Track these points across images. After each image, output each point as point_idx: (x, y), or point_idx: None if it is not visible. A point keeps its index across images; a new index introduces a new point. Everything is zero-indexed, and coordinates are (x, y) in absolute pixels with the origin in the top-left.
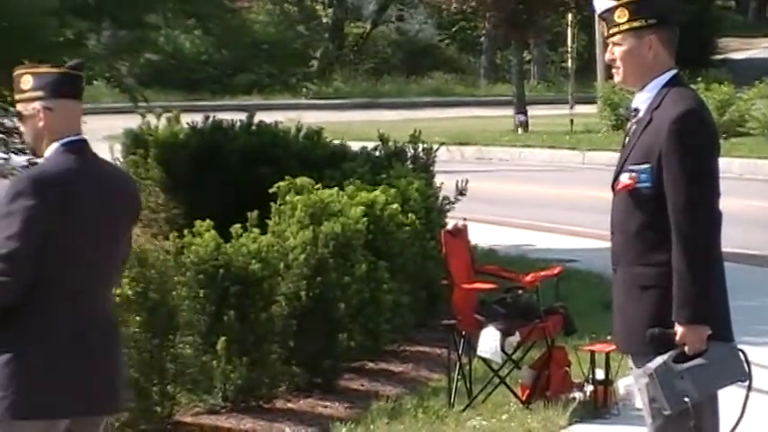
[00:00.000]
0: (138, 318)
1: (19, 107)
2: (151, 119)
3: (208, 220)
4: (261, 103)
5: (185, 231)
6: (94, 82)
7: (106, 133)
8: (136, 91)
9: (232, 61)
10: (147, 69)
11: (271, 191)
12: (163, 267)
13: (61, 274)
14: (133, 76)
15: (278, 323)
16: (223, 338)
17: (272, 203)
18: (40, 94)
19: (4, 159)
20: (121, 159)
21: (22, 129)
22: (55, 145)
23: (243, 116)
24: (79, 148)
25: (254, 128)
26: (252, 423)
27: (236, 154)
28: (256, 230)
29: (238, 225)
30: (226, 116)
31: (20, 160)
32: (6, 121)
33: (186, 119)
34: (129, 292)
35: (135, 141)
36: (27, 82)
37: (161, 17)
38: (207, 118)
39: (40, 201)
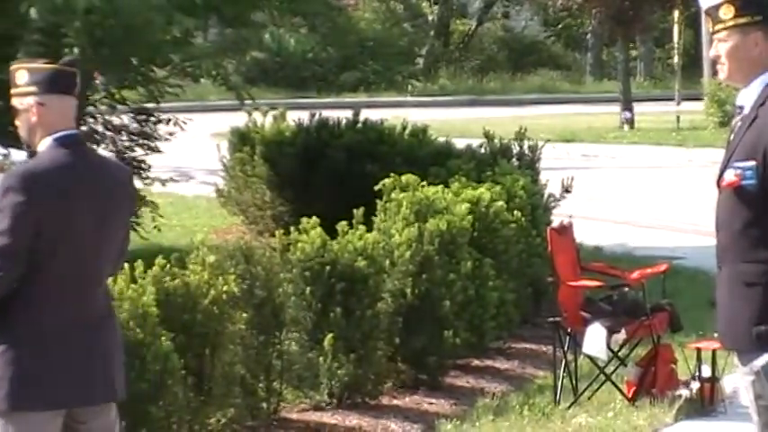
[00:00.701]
0: (244, 314)
1: (13, 101)
2: (257, 117)
3: (314, 218)
4: (366, 100)
5: (291, 229)
6: (201, 80)
7: (213, 131)
8: (242, 89)
9: (338, 59)
10: (254, 67)
11: (376, 188)
12: (269, 264)
13: (55, 266)
14: (239, 74)
15: (383, 320)
16: (329, 335)
17: (377, 201)
18: (33, 89)
19: (4, 155)
20: (228, 157)
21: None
22: (48, 140)
23: (348, 114)
24: (72, 142)
25: (359, 125)
26: (357, 419)
27: (342, 151)
28: (362, 228)
29: (344, 222)
30: (331, 114)
31: (20, 155)
32: (114, 119)
33: (292, 116)
34: (236, 289)
35: (241, 139)
36: (22, 77)
37: (267, 15)
38: (313, 116)
39: (30, 196)
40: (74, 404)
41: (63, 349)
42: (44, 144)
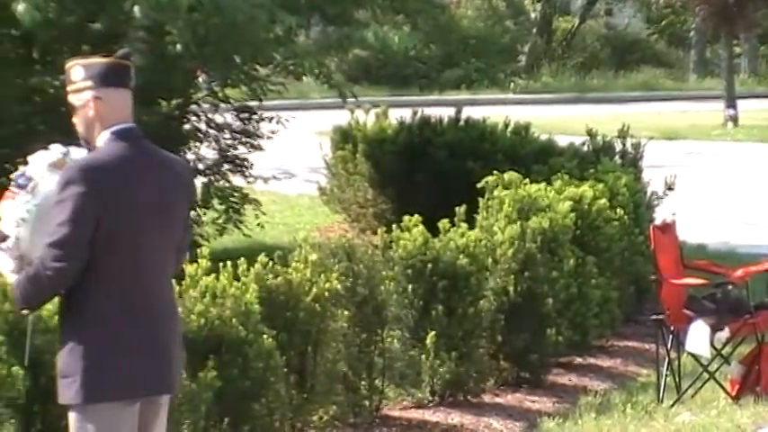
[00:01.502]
0: (346, 312)
1: (69, 98)
2: (360, 115)
3: (416, 215)
4: (469, 98)
5: (393, 226)
6: (304, 78)
7: (315, 129)
8: (344, 87)
9: (440, 57)
10: (356, 65)
11: (478, 186)
12: (371, 262)
13: (118, 260)
14: (342, 72)
15: (486, 318)
16: (431, 333)
17: (479, 198)
18: (89, 84)
19: (64, 153)
20: (330, 155)
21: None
22: (106, 133)
23: (451, 111)
24: (129, 135)
25: (461, 123)
26: (459, 417)
27: (444, 149)
28: (464, 225)
29: (446, 220)
30: (433, 111)
31: (80, 153)
32: (217, 117)
33: (394, 114)
34: (338, 287)
35: (343, 137)
36: (77, 73)
37: (370, 13)
38: (415, 113)
39: (90, 188)
40: (144, 394)
41: (130, 341)
42: (102, 138)
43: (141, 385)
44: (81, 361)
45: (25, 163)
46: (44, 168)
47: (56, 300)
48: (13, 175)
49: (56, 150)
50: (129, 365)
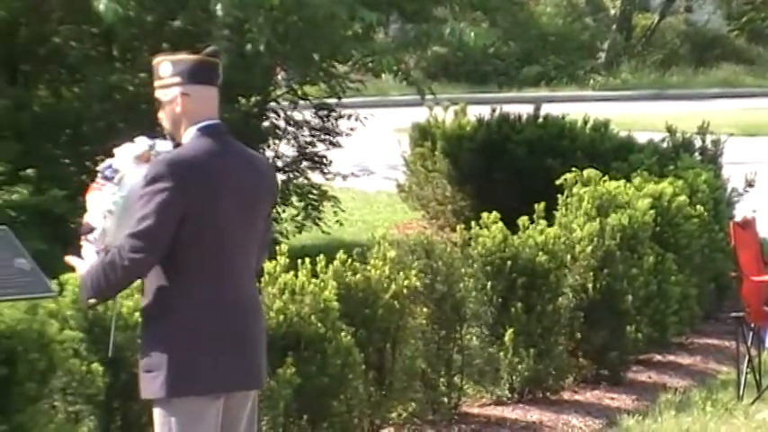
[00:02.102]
0: (425, 309)
1: (156, 93)
2: (438, 112)
3: (494, 213)
4: (547, 95)
5: (472, 223)
6: (382, 75)
7: (394, 126)
8: (423, 84)
9: (519, 53)
10: (435, 62)
11: (557, 183)
12: (450, 259)
13: (203, 255)
14: (421, 69)
15: (564, 315)
16: (510, 330)
17: (558, 195)
18: (177, 80)
19: (150, 146)
20: (409, 152)
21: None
22: (192, 129)
23: (529, 108)
24: (215, 131)
25: (540, 120)
26: (538, 414)
27: (523, 146)
28: (543, 222)
29: (525, 217)
30: (512, 108)
31: (165, 145)
32: (296, 115)
33: (473, 111)
34: (417, 284)
35: (422, 134)
36: (165, 69)
37: (448, 10)
38: (493, 110)
39: (176, 183)
40: (228, 389)
41: (214, 336)
42: (188, 134)
43: (225, 380)
44: (165, 355)
45: (110, 157)
46: (130, 161)
47: (136, 297)
48: (99, 167)
49: (142, 143)
50: (212, 360)
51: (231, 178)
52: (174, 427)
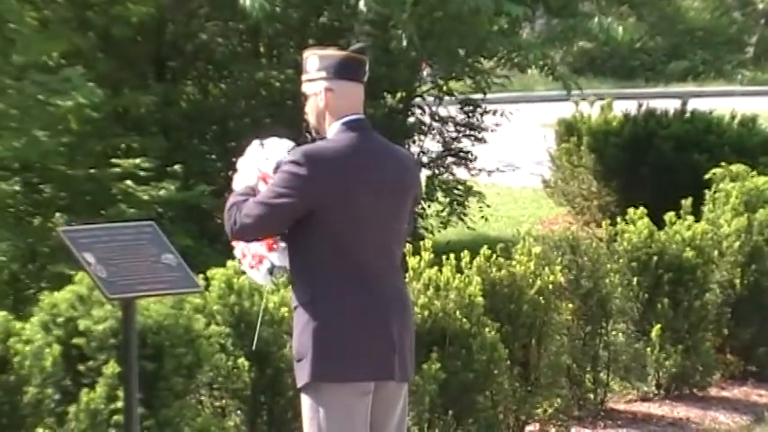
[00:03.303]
0: (570, 305)
1: (303, 87)
2: (584, 107)
3: (641, 208)
4: (694, 90)
5: (618, 219)
6: (528, 71)
7: (540, 122)
8: (569, 79)
9: (666, 48)
10: (581, 57)
11: (705, 178)
12: (595, 255)
13: (346, 247)
14: (566, 64)
15: (712, 311)
16: (657, 326)
17: (705, 191)
18: (323, 74)
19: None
20: (554, 147)
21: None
22: (336, 124)
23: (676, 103)
24: (359, 126)
25: (687, 115)
26: (685, 411)
27: (670, 141)
28: (690, 218)
29: (672, 212)
30: (659, 103)
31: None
32: (441, 110)
33: (619, 106)
34: (562, 280)
35: (568, 129)
36: (312, 63)
37: (594, 5)
38: (640, 105)
39: (312, 172)
40: (372, 378)
41: (360, 325)
42: (333, 129)
43: (369, 369)
44: (312, 342)
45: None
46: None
47: (282, 293)
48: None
49: (280, 146)
50: (358, 349)
51: (373, 172)
52: (321, 419)
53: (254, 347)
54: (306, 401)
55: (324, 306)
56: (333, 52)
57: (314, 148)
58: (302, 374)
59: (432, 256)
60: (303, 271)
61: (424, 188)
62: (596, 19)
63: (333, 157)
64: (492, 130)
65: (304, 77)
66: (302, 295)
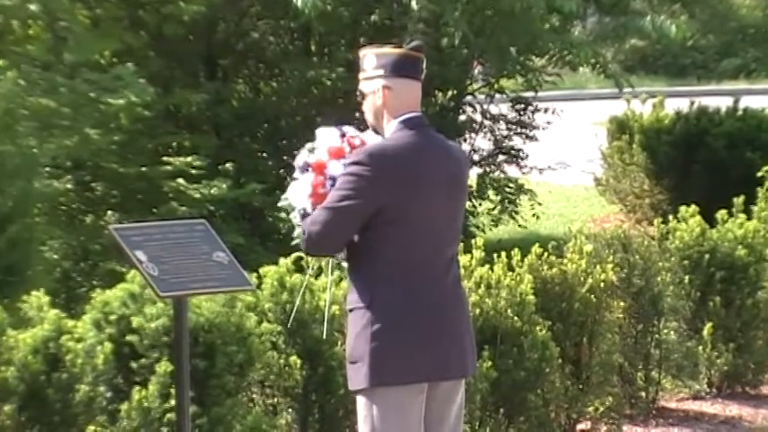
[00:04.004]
0: (621, 303)
1: (361, 85)
2: (636, 105)
3: (693, 206)
4: (747, 87)
5: (670, 217)
6: (580, 69)
7: (591, 120)
8: (621, 77)
9: (718, 46)
10: (633, 55)
11: (758, 176)
12: (647, 253)
13: (404, 246)
14: (618, 62)
15: (764, 309)
16: (708, 324)
17: (757, 189)
18: (380, 72)
19: (342, 135)
20: (606, 145)
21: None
22: (394, 122)
23: (728, 101)
24: (417, 123)
25: (739, 113)
26: (737, 409)
27: (722, 139)
28: (742, 216)
29: (724, 210)
30: (711, 101)
31: (354, 132)
32: (492, 108)
33: (671, 104)
34: (614, 278)
35: (619, 127)
36: (370, 61)
37: (646, 2)
38: (692, 103)
39: (376, 171)
40: (433, 377)
41: (416, 326)
42: (390, 127)
43: (425, 370)
44: (367, 345)
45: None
46: (324, 153)
47: (332, 290)
48: (295, 162)
49: (332, 135)
50: (412, 350)
51: (432, 170)
52: (376, 419)
53: (289, 324)
54: (360, 401)
55: (383, 309)
56: (390, 50)
57: (375, 147)
58: (357, 378)
59: (483, 254)
60: (364, 270)
61: (475, 186)
62: (649, 17)
63: (394, 156)
64: (543, 128)
65: (361, 76)
66: (357, 295)
